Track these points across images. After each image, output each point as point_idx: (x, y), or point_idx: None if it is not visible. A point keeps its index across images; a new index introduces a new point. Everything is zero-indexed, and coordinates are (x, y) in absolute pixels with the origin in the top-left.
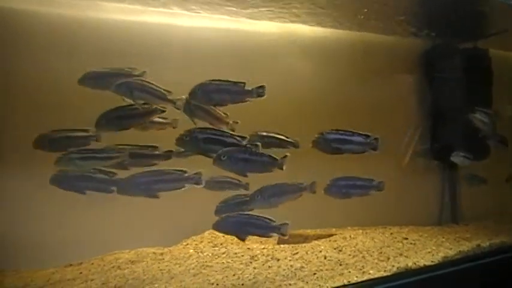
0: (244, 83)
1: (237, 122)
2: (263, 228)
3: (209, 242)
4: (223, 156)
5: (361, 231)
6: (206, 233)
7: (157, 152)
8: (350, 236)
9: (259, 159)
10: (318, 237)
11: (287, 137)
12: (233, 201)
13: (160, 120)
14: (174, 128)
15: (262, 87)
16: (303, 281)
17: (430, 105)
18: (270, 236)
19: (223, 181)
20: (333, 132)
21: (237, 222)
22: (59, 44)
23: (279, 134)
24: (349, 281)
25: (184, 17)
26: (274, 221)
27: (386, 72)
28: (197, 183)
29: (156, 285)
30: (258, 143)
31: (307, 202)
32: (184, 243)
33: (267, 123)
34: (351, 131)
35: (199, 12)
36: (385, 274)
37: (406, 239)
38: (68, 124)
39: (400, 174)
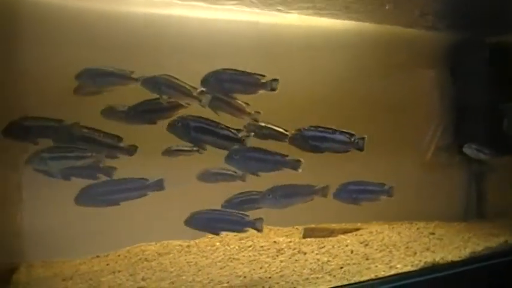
0: (262, 75)
1: (259, 112)
2: (237, 224)
3: (235, 235)
4: (236, 155)
5: (387, 225)
6: None
7: (121, 144)
8: (376, 231)
9: (271, 158)
10: (344, 232)
11: (285, 130)
12: (237, 200)
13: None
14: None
15: (275, 80)
16: (330, 274)
17: (455, 100)
18: (245, 231)
19: (217, 173)
20: (312, 129)
21: (210, 219)
22: (83, 37)
23: (276, 126)
24: (376, 276)
25: (208, 10)
26: (247, 216)
27: (410, 65)
28: (159, 189)
29: (183, 277)
30: (250, 134)
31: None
32: (210, 236)
33: (288, 116)
34: (333, 129)
35: (223, 5)
36: (412, 269)
37: (433, 234)
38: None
39: (424, 169)
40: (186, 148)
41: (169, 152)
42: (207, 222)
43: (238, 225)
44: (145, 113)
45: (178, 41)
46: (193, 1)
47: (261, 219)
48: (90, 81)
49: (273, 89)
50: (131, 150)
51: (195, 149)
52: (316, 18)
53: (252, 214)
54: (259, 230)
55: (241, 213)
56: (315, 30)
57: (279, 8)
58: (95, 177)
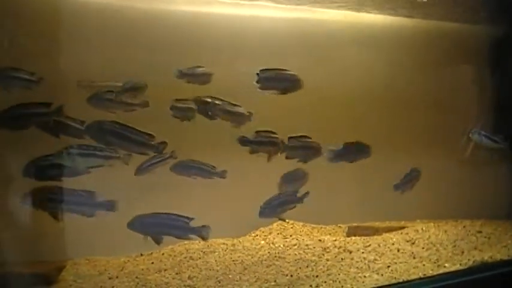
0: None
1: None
2: (181, 230)
3: (278, 234)
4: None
5: (432, 224)
6: (274, 225)
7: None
8: (422, 229)
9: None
10: (388, 230)
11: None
12: (277, 201)
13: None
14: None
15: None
16: (377, 273)
17: (495, 95)
18: (189, 239)
19: (191, 166)
20: None
21: (153, 223)
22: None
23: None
24: (424, 274)
25: (252, 7)
26: (192, 219)
27: (451, 61)
28: (111, 210)
29: (230, 275)
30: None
31: (375, 194)
32: (253, 235)
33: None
34: None
35: (266, 2)
36: (460, 268)
37: (480, 232)
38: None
39: (466, 166)
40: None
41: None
42: (151, 226)
43: (182, 231)
44: None
45: (222, 39)
46: None
47: (207, 226)
48: None
49: None
50: (161, 147)
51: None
52: (359, 13)
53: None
54: (204, 238)
55: (187, 218)
56: (358, 26)
57: (322, 3)
58: None
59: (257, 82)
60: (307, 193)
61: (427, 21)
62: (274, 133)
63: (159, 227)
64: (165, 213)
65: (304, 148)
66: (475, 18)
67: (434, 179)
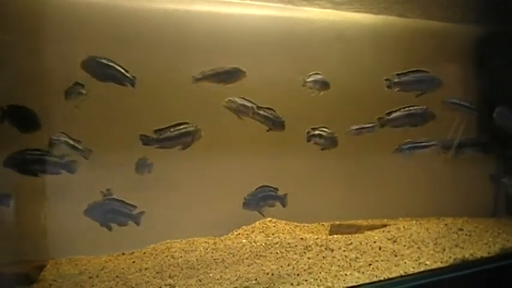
0: None
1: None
2: (124, 216)
3: (261, 232)
4: None
5: (414, 221)
6: (257, 223)
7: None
8: (404, 227)
9: None
10: (371, 228)
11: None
12: (261, 194)
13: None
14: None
15: None
16: (358, 271)
17: (482, 93)
18: (126, 224)
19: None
20: None
21: (105, 210)
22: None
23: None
24: (405, 272)
25: (236, 5)
26: (136, 207)
27: (435, 60)
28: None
29: (211, 274)
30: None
31: (358, 193)
32: (236, 233)
33: (317, 112)
34: None
35: (251, 1)
36: (441, 265)
37: (462, 230)
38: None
39: (449, 166)
40: None
41: None
42: (102, 213)
43: (124, 218)
44: None
45: (209, 37)
46: None
47: (142, 212)
48: None
49: None
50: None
51: None
52: (345, 12)
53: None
54: (138, 224)
55: (131, 205)
56: (348, 24)
57: (306, 3)
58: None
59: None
60: (285, 194)
61: (411, 19)
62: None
63: (109, 213)
64: (114, 199)
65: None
66: (459, 17)
67: (418, 176)
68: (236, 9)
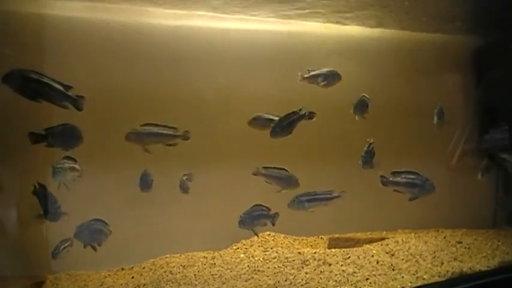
0: None
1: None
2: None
3: (259, 246)
4: None
5: (413, 234)
6: (255, 237)
7: None
8: (402, 240)
9: None
10: (369, 241)
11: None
12: (255, 213)
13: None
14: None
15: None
16: (355, 286)
17: (480, 104)
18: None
19: None
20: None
21: (88, 230)
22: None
23: None
24: (402, 287)
25: (234, 20)
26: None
27: (435, 71)
28: None
29: None
30: None
31: (357, 205)
32: (235, 247)
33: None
34: None
35: (248, 15)
36: (439, 279)
37: (460, 242)
38: None
39: (450, 175)
40: None
41: None
42: (90, 234)
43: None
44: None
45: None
46: (214, 12)
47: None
48: None
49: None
50: None
51: None
52: (341, 26)
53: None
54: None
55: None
56: (340, 38)
57: (304, 16)
58: None
59: None
60: (276, 213)
61: (409, 32)
62: None
63: (94, 233)
64: (95, 220)
65: None
66: (455, 29)
67: None
68: (234, 24)
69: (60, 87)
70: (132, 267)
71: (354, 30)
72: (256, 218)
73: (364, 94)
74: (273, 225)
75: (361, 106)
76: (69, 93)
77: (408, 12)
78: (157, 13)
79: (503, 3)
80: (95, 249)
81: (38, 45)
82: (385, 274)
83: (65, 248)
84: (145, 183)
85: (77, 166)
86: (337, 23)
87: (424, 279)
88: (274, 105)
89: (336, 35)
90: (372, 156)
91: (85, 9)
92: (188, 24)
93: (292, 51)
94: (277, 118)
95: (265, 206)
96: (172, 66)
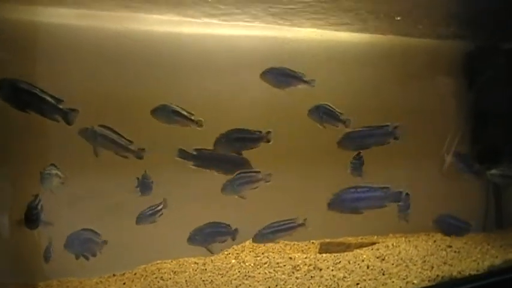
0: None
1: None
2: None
3: (250, 251)
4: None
5: (403, 238)
6: (247, 242)
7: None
8: (393, 244)
9: None
10: (360, 246)
11: None
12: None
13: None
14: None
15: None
16: None
17: (472, 108)
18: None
19: None
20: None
21: (75, 241)
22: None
23: None
24: None
25: (223, 27)
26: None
27: (426, 75)
28: None
29: None
30: None
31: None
32: (226, 253)
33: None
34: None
35: (237, 21)
36: (429, 284)
37: (450, 246)
38: None
39: (441, 179)
40: None
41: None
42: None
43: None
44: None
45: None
46: (206, 18)
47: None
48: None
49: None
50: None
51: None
52: (332, 31)
53: None
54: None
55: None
56: (333, 44)
57: (295, 22)
58: None
59: None
60: (236, 229)
61: (400, 37)
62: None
63: (84, 243)
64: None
65: None
66: (446, 34)
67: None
68: (223, 30)
69: (52, 100)
70: (124, 274)
71: (344, 35)
72: (210, 236)
73: (326, 103)
74: (233, 240)
75: (318, 113)
76: (61, 107)
77: (399, 18)
78: (148, 19)
79: (492, 8)
80: (87, 258)
81: (29, 53)
82: (375, 279)
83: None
84: (146, 186)
85: (60, 173)
86: (327, 28)
87: (414, 283)
88: (263, 112)
89: (327, 41)
90: (362, 164)
91: (76, 17)
92: (179, 31)
93: (283, 57)
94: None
95: (223, 223)
96: (162, 72)
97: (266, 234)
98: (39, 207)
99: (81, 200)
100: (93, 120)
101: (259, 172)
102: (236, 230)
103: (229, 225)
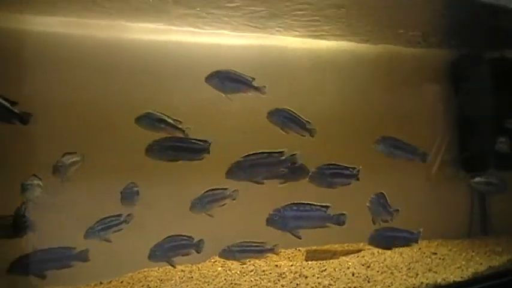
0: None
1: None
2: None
3: None
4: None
5: None
6: None
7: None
8: (378, 252)
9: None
10: (346, 253)
11: None
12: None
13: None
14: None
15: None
16: None
17: (457, 115)
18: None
19: None
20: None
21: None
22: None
23: None
24: None
25: (209, 35)
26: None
27: (412, 84)
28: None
29: None
30: None
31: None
32: (213, 260)
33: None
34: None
35: (222, 29)
36: None
37: (435, 254)
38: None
39: (428, 185)
40: None
41: None
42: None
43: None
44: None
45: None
46: (190, 27)
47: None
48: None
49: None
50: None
51: None
52: (318, 40)
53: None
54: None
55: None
56: (317, 52)
57: (280, 31)
58: None
59: None
60: (201, 240)
61: (386, 46)
62: None
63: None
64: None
65: None
66: (432, 43)
67: (395, 199)
68: (210, 38)
69: (6, 104)
70: (111, 281)
71: (330, 44)
72: (171, 250)
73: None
74: (198, 252)
75: (279, 117)
76: (15, 110)
77: (387, 27)
78: (134, 28)
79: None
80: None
81: (14, 61)
82: (360, 286)
83: None
84: (129, 195)
85: (41, 183)
86: (313, 37)
87: None
88: (251, 120)
89: (313, 49)
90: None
91: (62, 25)
92: (165, 39)
93: (269, 66)
94: None
95: (185, 236)
96: (149, 80)
97: (233, 252)
98: (26, 214)
99: (65, 209)
100: (80, 128)
101: (226, 189)
102: (201, 241)
103: (191, 237)
